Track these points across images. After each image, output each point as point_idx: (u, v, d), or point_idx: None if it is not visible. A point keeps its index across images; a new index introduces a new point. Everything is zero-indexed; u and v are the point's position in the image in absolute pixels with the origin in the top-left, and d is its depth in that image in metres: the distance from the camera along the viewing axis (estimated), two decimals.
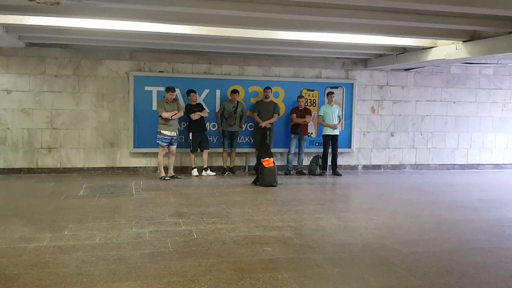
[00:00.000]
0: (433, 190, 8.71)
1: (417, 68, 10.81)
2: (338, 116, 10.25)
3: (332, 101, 10.17)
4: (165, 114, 8.98)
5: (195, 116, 9.39)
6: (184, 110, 9.38)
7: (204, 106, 9.74)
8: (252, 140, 10.23)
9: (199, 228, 5.45)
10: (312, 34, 7.79)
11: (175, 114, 9.04)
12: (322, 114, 10.20)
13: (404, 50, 9.24)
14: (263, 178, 8.51)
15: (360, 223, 5.91)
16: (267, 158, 8.63)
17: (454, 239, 5.29)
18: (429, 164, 11.45)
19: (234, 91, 9.73)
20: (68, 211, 6.25)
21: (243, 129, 10.18)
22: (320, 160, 10.21)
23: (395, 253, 4.67)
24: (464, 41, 7.69)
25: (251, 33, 7.57)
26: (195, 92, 9.53)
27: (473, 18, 6.50)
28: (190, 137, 9.54)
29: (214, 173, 9.72)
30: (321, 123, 10.29)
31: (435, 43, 8.41)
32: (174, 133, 9.14)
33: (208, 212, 6.31)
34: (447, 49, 8.14)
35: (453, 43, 7.92)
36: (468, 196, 8.19)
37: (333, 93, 10.29)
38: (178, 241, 4.92)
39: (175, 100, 9.32)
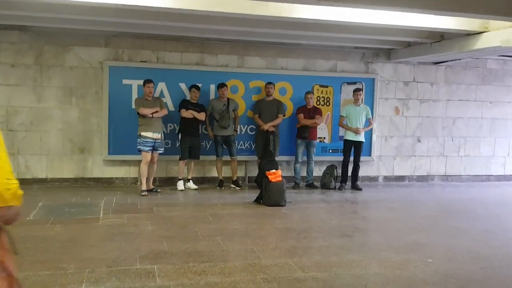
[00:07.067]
0: (481, 211, 6.97)
1: (449, 61, 9.07)
2: (368, 119, 8.45)
3: (359, 99, 8.37)
4: (143, 110, 7.24)
5: (185, 113, 7.63)
6: (179, 109, 7.71)
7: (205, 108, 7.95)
8: (253, 146, 8.46)
9: (182, 283, 3.67)
10: (330, 10, 6.00)
11: (156, 112, 7.30)
12: (345, 115, 8.39)
13: (441, 37, 7.49)
14: (268, 195, 6.74)
15: (414, 270, 4.14)
16: (273, 170, 6.88)
17: None
18: (461, 175, 9.69)
19: (222, 85, 7.90)
20: None
21: (242, 133, 8.43)
22: (335, 171, 8.42)
23: None
24: None
25: (253, 8, 5.80)
26: (197, 89, 7.78)
27: None
28: (179, 140, 7.81)
29: (196, 187, 7.93)
30: (342, 125, 8.48)
31: (486, 27, 6.67)
32: (157, 135, 7.39)
33: (196, 251, 4.51)
34: (504, 34, 6.40)
35: None
36: None
37: (360, 89, 8.46)
38: None
39: (158, 98, 7.62)
